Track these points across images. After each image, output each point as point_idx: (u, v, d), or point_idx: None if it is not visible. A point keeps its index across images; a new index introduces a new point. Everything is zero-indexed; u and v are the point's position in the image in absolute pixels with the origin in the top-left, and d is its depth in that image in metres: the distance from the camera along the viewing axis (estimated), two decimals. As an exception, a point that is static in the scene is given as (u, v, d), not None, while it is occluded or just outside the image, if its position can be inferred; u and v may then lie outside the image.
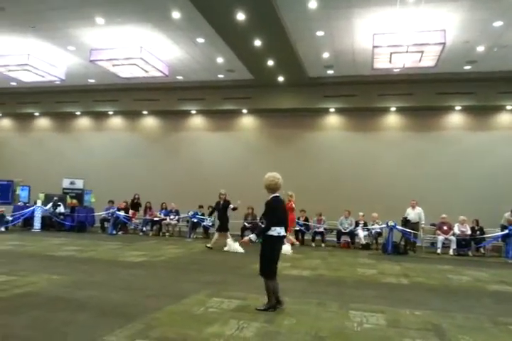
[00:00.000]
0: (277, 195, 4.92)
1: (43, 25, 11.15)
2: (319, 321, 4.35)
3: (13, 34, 11.90)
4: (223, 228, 10.69)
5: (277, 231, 4.72)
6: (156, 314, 4.35)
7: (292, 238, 11.94)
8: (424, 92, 14.05)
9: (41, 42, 12.41)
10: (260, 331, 3.93)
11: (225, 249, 10.37)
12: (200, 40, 11.71)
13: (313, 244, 12.78)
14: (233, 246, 10.30)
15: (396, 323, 4.40)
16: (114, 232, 13.71)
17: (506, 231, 11.45)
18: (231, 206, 10.70)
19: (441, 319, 4.65)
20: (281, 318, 4.39)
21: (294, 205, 11.37)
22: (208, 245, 10.60)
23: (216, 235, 10.84)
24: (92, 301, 4.82)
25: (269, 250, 4.74)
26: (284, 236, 4.86)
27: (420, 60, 11.27)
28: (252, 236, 4.91)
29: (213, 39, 11.38)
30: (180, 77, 15.23)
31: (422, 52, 10.74)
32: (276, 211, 4.83)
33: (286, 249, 10.35)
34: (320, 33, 10.97)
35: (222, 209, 10.73)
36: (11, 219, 13.99)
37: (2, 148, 19.09)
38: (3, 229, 13.42)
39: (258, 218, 13.58)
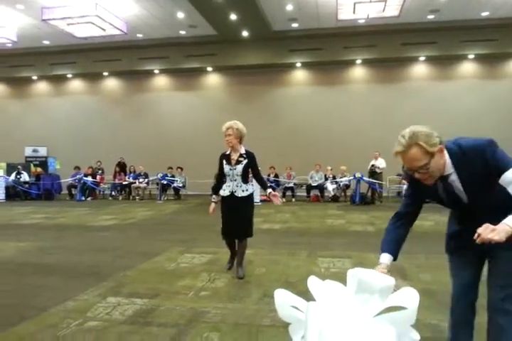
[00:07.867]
0: None
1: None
2: (288, 269, 4.51)
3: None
4: None
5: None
6: (127, 272, 4.39)
7: None
8: (389, 43, 13.93)
9: (-17, -1, 11.52)
10: (231, 281, 4.05)
11: None
12: (157, -7, 11.13)
13: (283, 200, 12.99)
14: None
15: (361, 266, 4.54)
16: (83, 198, 13.51)
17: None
18: None
19: (403, 260, 4.87)
20: (252, 269, 4.51)
21: None
22: None
23: None
24: (62, 265, 4.81)
25: (252, 207, 4.43)
26: None
27: (384, 10, 11.15)
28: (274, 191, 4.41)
29: (170, -8, 10.84)
30: (140, 35, 14.56)
31: (386, 1, 10.60)
32: None
33: None
34: (281, -17, 10.59)
35: None
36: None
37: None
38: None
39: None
